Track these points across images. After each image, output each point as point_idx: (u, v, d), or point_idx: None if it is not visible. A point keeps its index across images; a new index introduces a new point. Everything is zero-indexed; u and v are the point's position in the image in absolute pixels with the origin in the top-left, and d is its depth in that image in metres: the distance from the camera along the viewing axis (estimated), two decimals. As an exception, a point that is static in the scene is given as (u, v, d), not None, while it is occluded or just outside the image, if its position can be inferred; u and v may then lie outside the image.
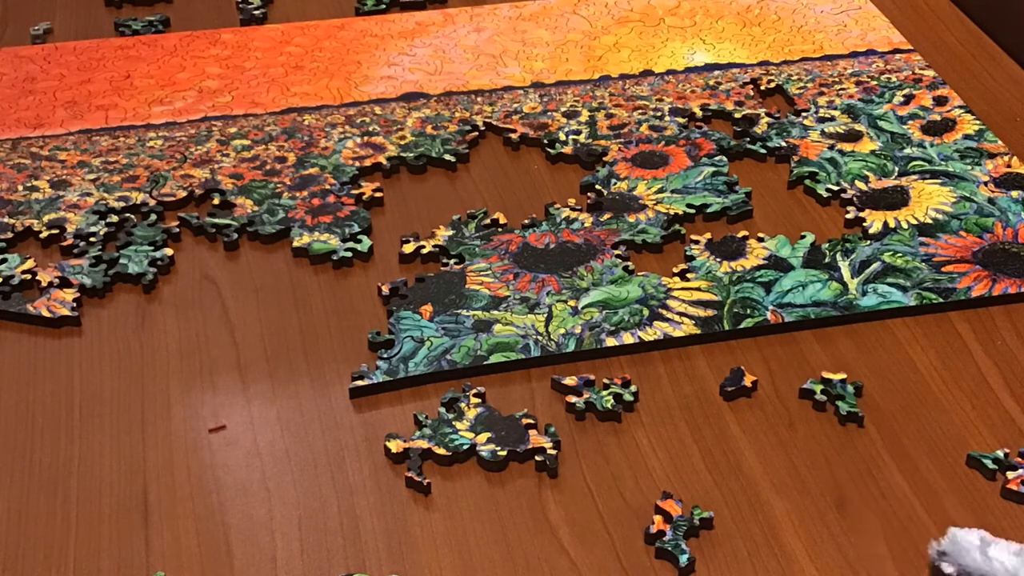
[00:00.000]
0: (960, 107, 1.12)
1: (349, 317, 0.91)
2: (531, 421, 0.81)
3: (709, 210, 0.99)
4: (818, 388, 0.82)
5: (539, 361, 0.86)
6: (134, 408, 0.84)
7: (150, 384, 0.86)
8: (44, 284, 0.93)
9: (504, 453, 0.79)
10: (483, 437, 0.80)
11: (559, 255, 0.95)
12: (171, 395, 0.85)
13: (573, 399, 0.82)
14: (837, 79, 1.16)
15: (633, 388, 0.83)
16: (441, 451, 0.79)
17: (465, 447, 0.79)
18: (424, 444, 0.79)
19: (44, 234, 0.97)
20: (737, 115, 1.11)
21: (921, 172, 1.04)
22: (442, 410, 0.82)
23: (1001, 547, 0.69)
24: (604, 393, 0.83)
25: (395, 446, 0.79)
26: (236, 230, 0.98)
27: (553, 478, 0.78)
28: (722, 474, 0.78)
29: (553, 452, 0.79)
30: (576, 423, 0.82)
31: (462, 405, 0.82)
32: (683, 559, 0.73)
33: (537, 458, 0.79)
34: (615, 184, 1.03)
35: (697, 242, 0.96)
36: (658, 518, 0.75)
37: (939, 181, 1.03)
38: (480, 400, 0.82)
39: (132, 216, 1.00)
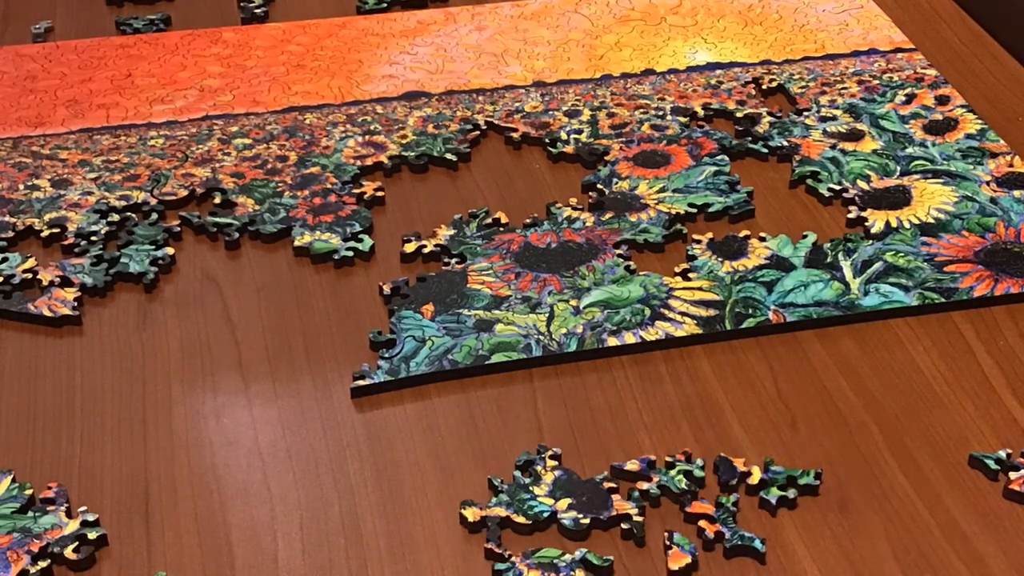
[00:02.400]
0: (962, 106, 1.11)
1: (350, 316, 0.91)
2: (613, 485, 0.76)
3: (711, 209, 0.99)
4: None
5: (541, 361, 0.86)
6: (135, 407, 0.84)
7: (151, 383, 0.85)
8: (45, 283, 0.93)
9: (587, 521, 0.74)
10: (563, 503, 0.75)
11: (561, 254, 0.95)
12: (172, 394, 0.85)
13: (645, 485, 0.76)
14: (839, 78, 1.16)
15: (699, 461, 0.78)
16: (520, 519, 0.74)
17: (546, 514, 0.74)
18: (502, 512, 0.75)
19: (45, 233, 0.97)
20: (739, 114, 1.11)
21: (923, 172, 1.03)
22: (517, 474, 0.77)
23: None
24: (673, 472, 0.77)
25: (471, 514, 0.75)
26: (237, 229, 0.98)
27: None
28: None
29: (639, 519, 0.74)
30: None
31: (538, 468, 0.77)
32: (759, 544, 0.72)
33: (623, 526, 0.74)
34: (617, 183, 1.03)
35: (699, 241, 0.96)
36: (704, 524, 0.74)
37: (941, 181, 1.02)
38: (557, 462, 0.78)
39: (133, 215, 0.99)
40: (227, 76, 1.17)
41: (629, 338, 0.87)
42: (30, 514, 0.75)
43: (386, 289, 0.92)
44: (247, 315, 0.91)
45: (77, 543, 0.73)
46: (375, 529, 0.75)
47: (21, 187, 1.02)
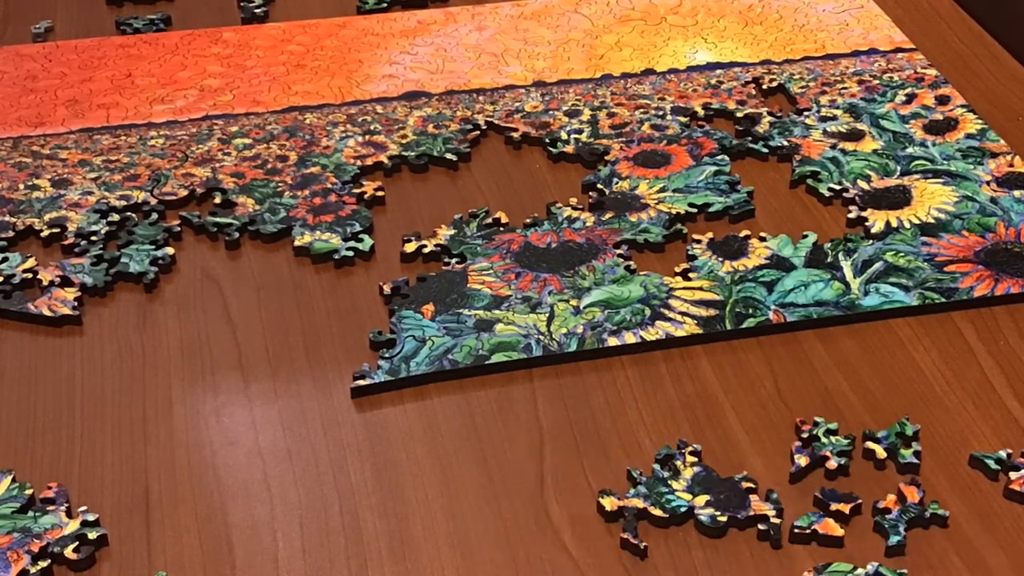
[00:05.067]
0: (962, 106, 1.11)
1: (351, 316, 0.91)
2: (751, 485, 0.76)
3: (711, 209, 0.99)
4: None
5: (541, 361, 0.86)
6: (135, 407, 0.84)
7: (151, 383, 0.85)
8: (45, 283, 0.93)
9: (724, 519, 0.74)
10: (701, 499, 0.75)
11: (561, 254, 0.95)
12: (172, 394, 0.85)
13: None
14: (839, 78, 1.16)
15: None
16: (657, 512, 0.75)
17: (683, 509, 0.75)
18: (639, 503, 0.75)
19: (45, 233, 0.97)
20: (739, 114, 1.11)
21: (923, 171, 1.03)
22: (656, 467, 0.78)
23: None
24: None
25: (609, 503, 0.75)
26: (237, 229, 0.98)
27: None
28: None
29: (776, 521, 0.74)
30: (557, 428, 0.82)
31: (678, 463, 0.78)
32: (893, 539, 0.73)
33: (760, 527, 0.74)
34: (617, 183, 1.03)
35: (699, 241, 0.96)
36: (892, 497, 0.75)
37: (941, 180, 1.02)
38: (696, 459, 0.78)
39: (133, 215, 0.99)
40: (227, 76, 1.17)
41: (629, 338, 0.87)
42: (30, 514, 0.75)
43: (386, 289, 0.92)
44: (247, 315, 0.91)
45: (77, 543, 0.73)
46: (375, 529, 0.75)
47: (21, 187, 1.02)
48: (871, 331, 0.89)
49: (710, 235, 0.97)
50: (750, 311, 0.90)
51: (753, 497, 0.76)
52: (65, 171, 1.04)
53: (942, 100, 1.12)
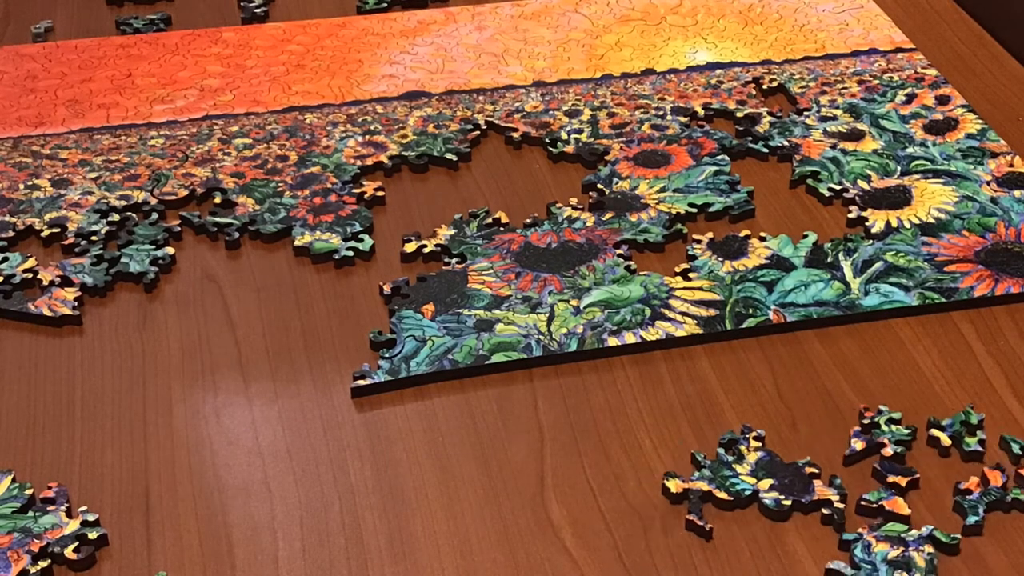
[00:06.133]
0: (962, 106, 1.11)
1: (351, 316, 0.91)
2: (815, 470, 0.77)
3: (711, 209, 0.99)
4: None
5: (541, 361, 0.86)
6: (135, 407, 0.84)
7: (151, 383, 0.85)
8: (45, 283, 0.93)
9: (789, 503, 0.75)
10: (765, 483, 0.77)
11: (561, 254, 0.95)
12: (172, 394, 0.85)
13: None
14: (839, 78, 1.16)
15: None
16: (722, 495, 0.76)
17: (747, 493, 0.76)
18: (704, 486, 0.76)
19: (45, 233, 0.97)
20: (739, 114, 1.11)
21: (923, 171, 1.03)
22: (721, 451, 0.78)
23: None
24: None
25: (674, 486, 0.76)
26: (237, 229, 0.98)
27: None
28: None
29: (840, 506, 0.75)
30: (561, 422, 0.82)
31: (742, 448, 0.79)
32: (971, 519, 0.74)
33: (824, 511, 0.75)
34: (617, 183, 1.03)
35: (699, 241, 0.96)
36: (975, 479, 0.76)
37: (941, 180, 1.02)
38: (760, 444, 0.79)
39: (133, 215, 0.99)
40: (227, 76, 1.17)
41: (629, 338, 0.87)
42: (30, 514, 0.75)
43: (386, 289, 0.92)
44: (247, 315, 0.91)
45: (77, 543, 0.73)
46: (375, 529, 0.75)
47: (21, 187, 1.03)
48: (871, 331, 0.89)
49: (710, 235, 0.97)
50: (750, 311, 0.90)
51: (816, 482, 0.77)
52: (65, 171, 1.04)
53: (942, 100, 1.12)
